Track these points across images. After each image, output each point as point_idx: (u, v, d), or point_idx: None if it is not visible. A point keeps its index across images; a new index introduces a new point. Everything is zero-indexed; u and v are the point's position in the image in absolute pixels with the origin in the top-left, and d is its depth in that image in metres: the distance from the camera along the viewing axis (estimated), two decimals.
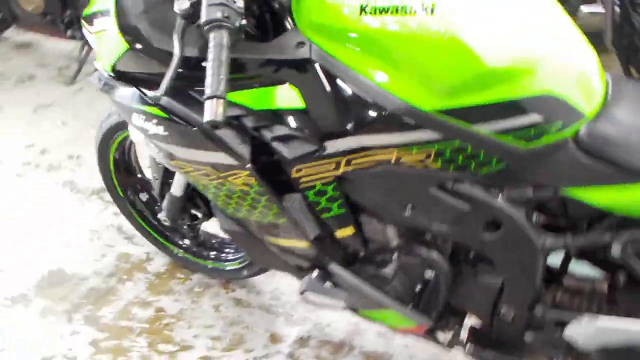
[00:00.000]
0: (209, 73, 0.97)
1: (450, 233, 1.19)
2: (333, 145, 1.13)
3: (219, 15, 0.98)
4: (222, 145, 1.21)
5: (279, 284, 2.06)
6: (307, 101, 1.10)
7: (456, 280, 1.30)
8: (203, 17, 0.98)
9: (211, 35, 0.99)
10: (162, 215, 1.79)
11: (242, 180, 1.24)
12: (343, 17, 1.04)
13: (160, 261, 2.20)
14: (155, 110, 1.25)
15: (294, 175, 1.18)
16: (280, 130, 1.15)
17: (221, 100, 0.96)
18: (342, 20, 1.04)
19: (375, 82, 1.04)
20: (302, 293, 1.37)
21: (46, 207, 2.48)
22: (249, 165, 1.20)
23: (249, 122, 1.17)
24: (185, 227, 2.02)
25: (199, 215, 1.83)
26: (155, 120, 1.26)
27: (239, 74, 1.12)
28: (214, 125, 0.96)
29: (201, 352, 1.85)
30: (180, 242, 2.11)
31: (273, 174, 1.23)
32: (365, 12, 1.01)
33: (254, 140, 1.19)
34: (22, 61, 3.61)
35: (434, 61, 1.00)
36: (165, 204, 1.75)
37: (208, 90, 0.96)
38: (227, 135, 1.20)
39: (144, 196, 2.04)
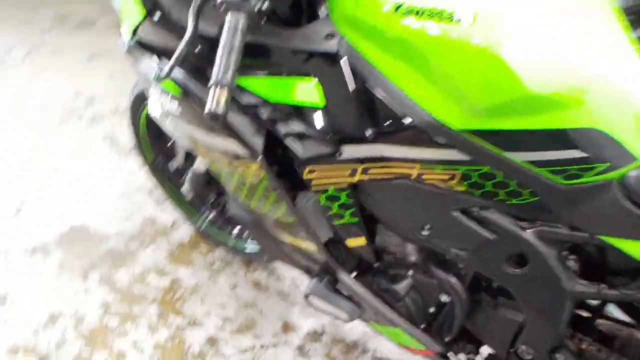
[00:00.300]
0: (217, 58, 0.92)
1: (470, 261, 1.10)
2: (350, 151, 1.05)
3: None
4: (233, 133, 1.15)
5: (301, 273, 2.00)
6: (328, 99, 1.03)
7: (473, 309, 1.21)
8: None
9: (227, 17, 0.93)
10: (184, 189, 1.75)
11: (252, 172, 1.18)
12: (378, 13, 0.94)
13: (184, 231, 2.18)
14: (171, 86, 1.20)
15: (306, 175, 1.11)
16: (295, 127, 1.08)
17: (225, 90, 0.90)
18: (376, 17, 0.95)
19: (404, 90, 0.95)
20: (306, 296, 1.31)
21: (81, 159, 2.50)
22: (260, 158, 1.13)
23: (264, 113, 1.11)
24: (211, 200, 1.99)
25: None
26: (170, 96, 1.20)
27: (259, 60, 1.06)
28: (214, 117, 0.90)
29: (209, 331, 1.83)
30: (206, 214, 2.08)
31: (285, 171, 1.16)
32: (402, 12, 0.91)
33: (268, 133, 1.12)
34: (86, 5, 3.64)
35: (470, 77, 0.90)
36: (188, 178, 1.72)
37: (213, 78, 0.90)
38: (240, 123, 1.14)
39: (173, 164, 2.01)
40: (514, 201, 0.97)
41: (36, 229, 2.20)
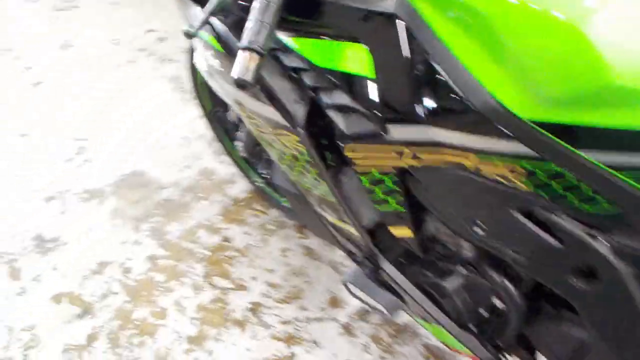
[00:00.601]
0: (251, 17, 0.83)
1: (529, 268, 0.95)
2: (399, 131, 0.94)
3: None
4: (274, 100, 1.06)
5: None
6: (378, 69, 0.91)
7: (531, 316, 1.07)
8: None
9: None
10: (237, 145, 1.68)
11: (293, 144, 1.07)
12: None
13: (241, 187, 2.13)
14: (214, 41, 1.13)
15: (348, 153, 1.00)
16: (340, 98, 0.98)
17: (256, 56, 0.82)
18: None
19: (466, 65, 0.80)
20: (344, 284, 1.21)
21: (146, 101, 2.50)
22: (300, 130, 1.02)
23: (308, 79, 1.02)
24: (265, 158, 1.91)
25: None
26: (212, 52, 1.13)
27: (306, 18, 0.96)
28: (241, 84, 0.83)
29: (253, 297, 1.77)
30: (262, 171, 2.00)
31: (328, 144, 1.04)
32: None
33: (311, 102, 1.01)
34: None
35: (547, 59, 0.75)
36: (240, 134, 1.64)
37: (244, 40, 0.82)
38: (283, 88, 1.05)
39: (230, 116, 1.94)
40: (586, 208, 0.81)
41: (94, 174, 2.21)
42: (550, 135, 0.77)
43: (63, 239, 1.96)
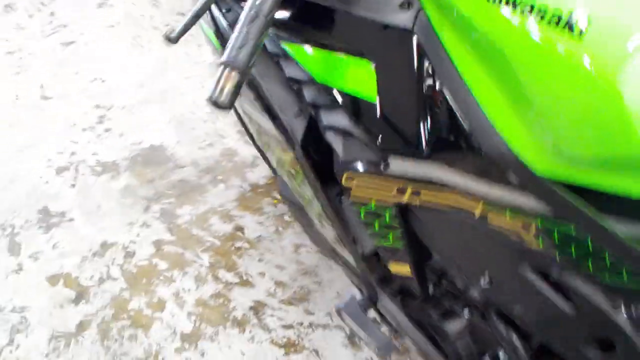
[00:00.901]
0: (236, 28, 0.74)
1: (537, 329, 0.83)
2: (400, 165, 0.84)
3: None
4: (271, 111, 1.00)
5: None
6: (382, 91, 0.82)
7: None
8: None
9: None
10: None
11: (289, 159, 1.01)
12: None
13: (262, 172, 2.02)
14: (212, 36, 1.11)
15: (345, 182, 0.91)
16: (339, 120, 0.89)
17: (234, 74, 0.73)
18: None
19: (480, 102, 0.70)
20: (337, 311, 1.10)
21: (173, 71, 2.40)
22: (297, 149, 0.96)
23: (308, 94, 0.93)
24: None
25: None
26: (211, 48, 1.13)
27: (309, 25, 0.89)
28: (216, 105, 0.73)
29: (258, 295, 1.68)
30: None
31: (325, 168, 0.96)
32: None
33: (310, 119, 0.95)
34: None
35: (574, 114, 0.63)
36: None
37: (225, 54, 0.73)
38: (282, 99, 0.98)
39: None
40: (606, 277, 0.68)
41: (112, 145, 2.15)
42: (570, 195, 0.66)
43: (69, 214, 1.91)
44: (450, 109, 0.74)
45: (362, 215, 0.94)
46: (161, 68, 2.46)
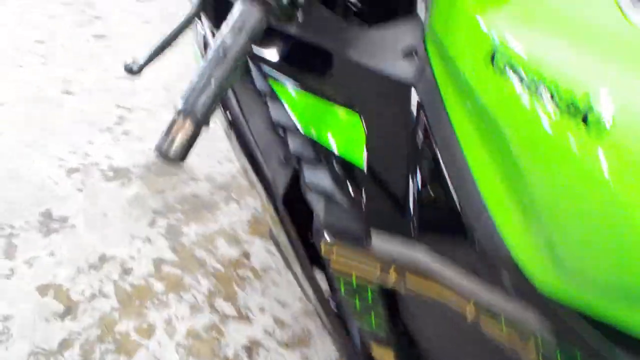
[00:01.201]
0: (200, 67, 0.66)
1: None
2: (383, 242, 0.74)
3: None
4: (252, 154, 0.91)
5: None
6: (370, 154, 0.72)
7: None
8: None
9: (234, 7, 0.66)
10: None
11: (271, 210, 0.92)
12: (468, 50, 0.59)
13: None
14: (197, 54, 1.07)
15: (323, 250, 0.82)
16: (321, 179, 0.80)
17: (190, 125, 0.64)
18: (465, 56, 0.60)
19: (481, 190, 0.60)
20: None
21: None
22: (278, 201, 0.88)
23: (292, 143, 0.84)
24: None
25: None
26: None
27: (297, 67, 0.80)
28: (164, 157, 0.66)
29: (253, 333, 1.58)
30: None
31: (304, 228, 0.88)
32: (499, 66, 0.55)
33: (294, 171, 0.87)
34: None
35: (579, 222, 0.53)
36: None
37: (181, 102, 0.65)
38: (267, 142, 0.89)
39: None
40: None
41: (128, 149, 2.09)
42: (578, 320, 0.56)
43: (72, 220, 1.85)
44: (445, 186, 0.64)
45: (342, 289, 0.84)
46: (189, 73, 2.39)
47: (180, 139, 0.64)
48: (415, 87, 0.67)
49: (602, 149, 0.46)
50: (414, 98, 0.67)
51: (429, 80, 0.65)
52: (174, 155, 0.64)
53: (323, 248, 0.81)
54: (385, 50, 0.71)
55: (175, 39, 0.76)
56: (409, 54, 0.69)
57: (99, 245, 1.79)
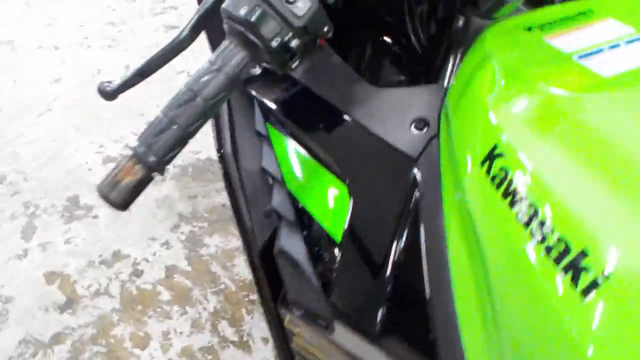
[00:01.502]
0: (164, 107, 0.58)
1: None
2: (345, 335, 0.68)
3: (242, 12, 0.56)
4: (236, 199, 0.86)
5: None
6: (350, 240, 0.66)
7: None
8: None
9: (222, 44, 0.59)
10: None
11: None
12: (467, 149, 0.54)
13: None
14: None
15: (287, 323, 0.77)
16: (296, 247, 0.75)
17: (140, 170, 0.57)
18: (469, 146, 0.54)
19: (456, 309, 0.55)
20: None
21: None
22: (255, 255, 0.84)
23: (276, 197, 0.78)
24: None
25: None
26: None
27: (292, 116, 0.74)
28: (105, 200, 0.58)
29: None
30: None
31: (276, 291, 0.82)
32: (491, 165, 0.49)
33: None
34: None
35: None
36: None
37: (137, 141, 0.58)
38: (255, 189, 0.84)
39: None
40: None
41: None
42: None
43: (96, 211, 1.85)
44: (420, 291, 0.58)
45: None
46: None
47: (125, 184, 0.57)
48: (416, 165, 0.61)
49: (585, 312, 0.38)
50: (412, 176, 0.61)
51: (433, 160, 0.59)
52: (113, 201, 0.57)
53: (287, 321, 0.76)
54: (395, 116, 0.64)
55: (159, 66, 0.69)
56: (420, 125, 0.63)
57: (116, 242, 1.77)
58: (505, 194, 0.45)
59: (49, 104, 2.18)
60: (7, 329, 1.54)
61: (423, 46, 0.74)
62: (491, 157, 0.48)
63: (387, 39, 0.78)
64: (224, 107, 0.87)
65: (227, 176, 0.84)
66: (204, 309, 1.63)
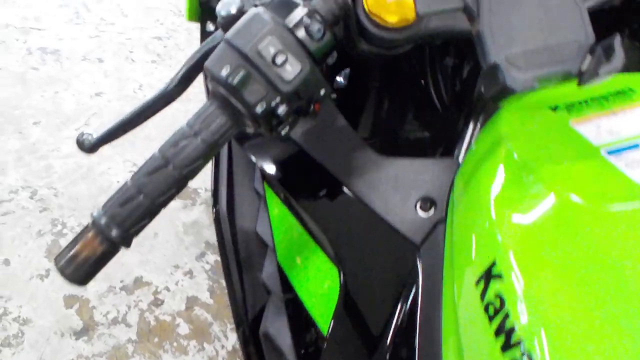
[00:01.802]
0: (133, 175, 0.55)
1: None
2: None
3: (223, 73, 0.52)
4: (228, 262, 0.85)
5: None
6: (337, 330, 0.60)
7: None
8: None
9: (202, 107, 0.55)
10: None
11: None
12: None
13: None
14: None
15: None
16: (281, 333, 0.73)
17: (100, 244, 0.53)
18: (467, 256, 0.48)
19: None
20: None
21: None
22: (245, 328, 0.80)
23: (267, 268, 0.77)
24: None
25: None
26: None
27: (289, 182, 0.70)
28: (61, 274, 0.54)
29: None
30: None
31: None
32: (488, 285, 0.42)
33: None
34: None
35: None
36: None
37: (99, 210, 0.54)
38: (252, 253, 0.82)
39: None
40: None
41: (205, 170, 2.02)
42: None
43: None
44: None
45: None
46: None
47: (83, 258, 0.52)
48: (419, 253, 0.55)
49: None
50: (413, 265, 0.55)
51: (437, 248, 0.54)
52: (70, 277, 0.53)
53: None
54: (400, 193, 0.59)
55: (147, 118, 0.65)
56: (426, 206, 0.57)
57: (139, 267, 1.75)
58: (498, 332, 0.39)
59: (87, 118, 2.19)
60: (21, 351, 1.53)
61: (444, 104, 0.68)
62: (488, 276, 0.42)
63: (407, 94, 0.73)
64: (224, 158, 0.83)
65: (220, 237, 0.80)
66: (222, 346, 1.59)
